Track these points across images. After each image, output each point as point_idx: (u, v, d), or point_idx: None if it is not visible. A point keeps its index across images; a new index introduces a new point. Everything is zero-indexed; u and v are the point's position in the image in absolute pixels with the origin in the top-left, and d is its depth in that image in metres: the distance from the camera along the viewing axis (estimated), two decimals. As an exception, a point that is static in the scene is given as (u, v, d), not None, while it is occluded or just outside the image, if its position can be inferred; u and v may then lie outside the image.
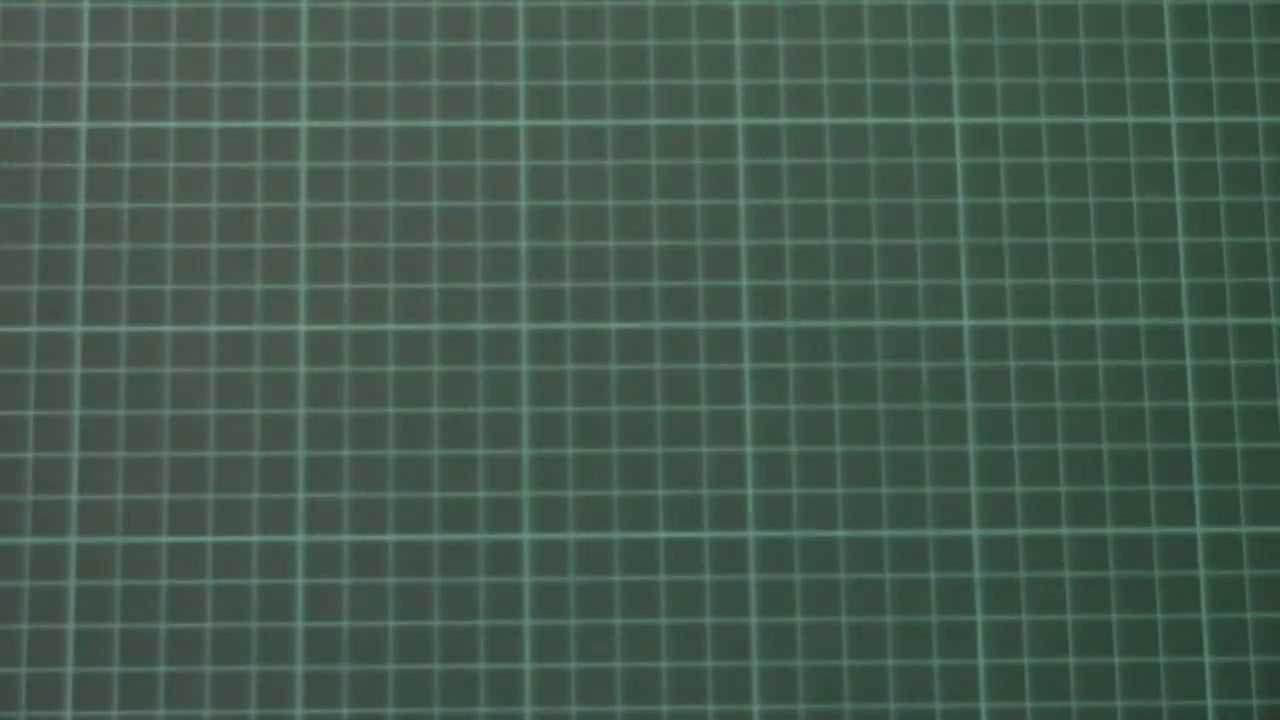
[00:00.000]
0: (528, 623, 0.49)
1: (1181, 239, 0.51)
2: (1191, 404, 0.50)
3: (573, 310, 0.50)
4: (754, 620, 0.49)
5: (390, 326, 0.50)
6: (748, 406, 0.50)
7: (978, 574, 0.49)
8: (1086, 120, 0.52)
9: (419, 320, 0.50)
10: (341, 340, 0.49)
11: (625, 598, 0.49)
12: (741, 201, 0.51)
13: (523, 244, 0.50)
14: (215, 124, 0.51)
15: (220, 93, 0.51)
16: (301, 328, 0.50)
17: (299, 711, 0.48)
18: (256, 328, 0.50)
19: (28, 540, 0.49)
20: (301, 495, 0.49)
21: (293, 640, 0.48)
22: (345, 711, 0.48)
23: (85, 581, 0.49)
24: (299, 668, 0.48)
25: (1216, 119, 0.52)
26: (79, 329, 0.50)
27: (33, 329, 0.50)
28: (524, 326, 0.50)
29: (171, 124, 0.51)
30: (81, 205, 0.51)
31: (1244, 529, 0.49)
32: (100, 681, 0.48)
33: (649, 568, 0.49)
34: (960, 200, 0.51)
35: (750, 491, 0.50)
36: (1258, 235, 0.51)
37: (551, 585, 0.49)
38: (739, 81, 0.52)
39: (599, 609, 0.49)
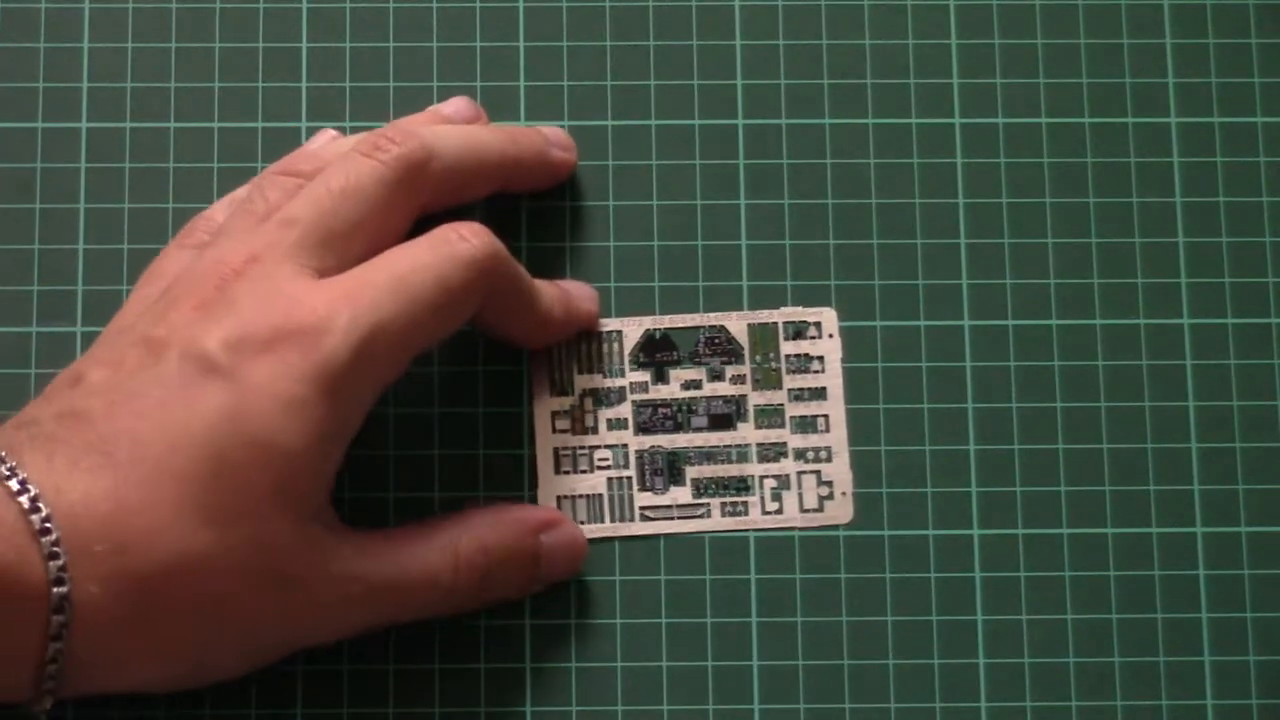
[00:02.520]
0: (529, 622, 0.49)
1: (1181, 239, 0.51)
2: (1191, 404, 0.50)
3: (573, 310, 0.50)
4: (754, 620, 0.49)
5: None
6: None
7: (978, 574, 0.49)
8: (1086, 120, 0.52)
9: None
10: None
11: (625, 597, 0.49)
12: (742, 201, 0.51)
13: (523, 244, 0.50)
14: (215, 124, 0.51)
15: (220, 93, 0.51)
16: (302, 328, 0.50)
17: (299, 711, 0.48)
18: (257, 328, 0.50)
19: (28, 540, 0.49)
20: (302, 495, 0.49)
21: (293, 640, 0.48)
22: (345, 711, 0.48)
23: (85, 581, 0.49)
24: (301, 668, 0.48)
25: (1216, 119, 0.52)
26: (79, 329, 0.50)
27: (33, 329, 0.50)
28: (524, 326, 0.50)
29: (171, 124, 0.51)
30: (81, 205, 0.51)
31: (1244, 529, 0.49)
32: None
33: (650, 568, 0.49)
34: (960, 200, 0.51)
35: (750, 491, 0.50)
36: (1258, 235, 0.51)
37: (551, 586, 0.49)
38: (739, 81, 0.52)
39: (599, 609, 0.49)
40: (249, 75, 0.51)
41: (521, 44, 0.52)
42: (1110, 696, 0.49)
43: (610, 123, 0.51)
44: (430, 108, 0.50)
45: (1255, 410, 0.50)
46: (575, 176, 0.51)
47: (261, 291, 0.43)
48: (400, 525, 0.46)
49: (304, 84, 0.51)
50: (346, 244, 0.45)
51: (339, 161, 0.46)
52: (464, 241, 0.45)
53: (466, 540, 0.45)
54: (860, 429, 0.50)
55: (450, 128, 0.48)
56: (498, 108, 0.51)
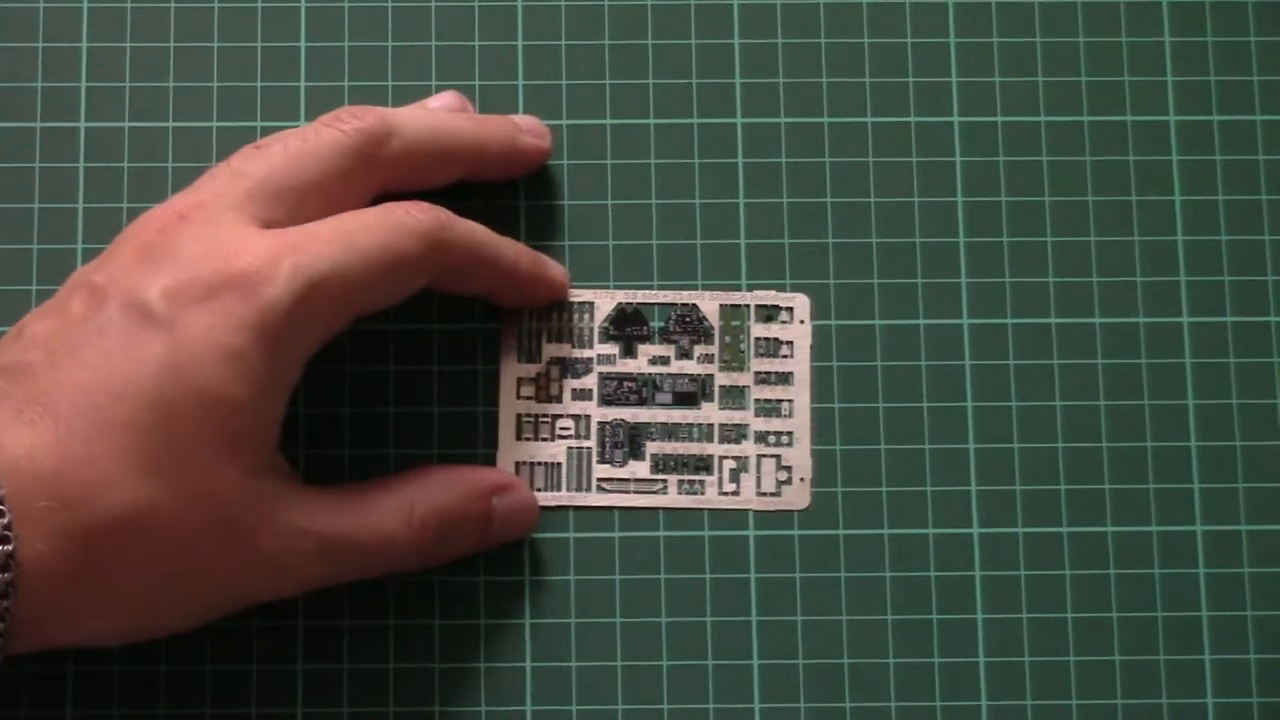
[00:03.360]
0: (529, 622, 0.49)
1: (1181, 238, 0.51)
2: (1191, 403, 0.50)
3: (573, 310, 0.50)
4: (754, 620, 0.49)
5: (391, 326, 0.50)
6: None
7: (978, 573, 0.49)
8: (1085, 119, 0.52)
9: (420, 320, 0.50)
10: (343, 339, 0.49)
11: (625, 597, 0.49)
12: (741, 200, 0.51)
13: (522, 244, 0.50)
14: (214, 124, 0.51)
15: (219, 92, 0.51)
16: (301, 327, 0.50)
17: (299, 711, 0.48)
18: (256, 327, 0.50)
19: (28, 540, 0.49)
20: (302, 495, 0.49)
21: (293, 640, 0.48)
22: (345, 711, 0.48)
23: (85, 581, 0.49)
24: (299, 667, 0.48)
25: (1216, 118, 0.52)
26: (78, 329, 0.50)
27: (32, 329, 0.50)
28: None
29: (171, 124, 0.51)
30: (80, 205, 0.51)
31: (1244, 527, 0.50)
32: (101, 679, 0.48)
33: (650, 567, 0.49)
34: (959, 199, 0.51)
35: (750, 491, 0.50)
36: (1257, 235, 0.51)
37: (552, 584, 0.49)
38: (738, 80, 0.52)
39: (599, 608, 0.49)
40: (248, 75, 0.51)
41: (520, 43, 0.52)
42: (1110, 695, 0.49)
43: (609, 122, 0.51)
44: (419, 102, 0.50)
45: (1255, 409, 0.50)
46: (575, 177, 0.51)
47: (204, 236, 0.43)
48: (357, 482, 0.46)
49: (302, 84, 0.51)
50: (296, 203, 0.45)
51: (300, 129, 0.46)
52: (411, 215, 0.45)
53: (421, 501, 0.46)
54: (860, 428, 0.50)
55: (417, 110, 0.48)
56: (497, 107, 0.51)
